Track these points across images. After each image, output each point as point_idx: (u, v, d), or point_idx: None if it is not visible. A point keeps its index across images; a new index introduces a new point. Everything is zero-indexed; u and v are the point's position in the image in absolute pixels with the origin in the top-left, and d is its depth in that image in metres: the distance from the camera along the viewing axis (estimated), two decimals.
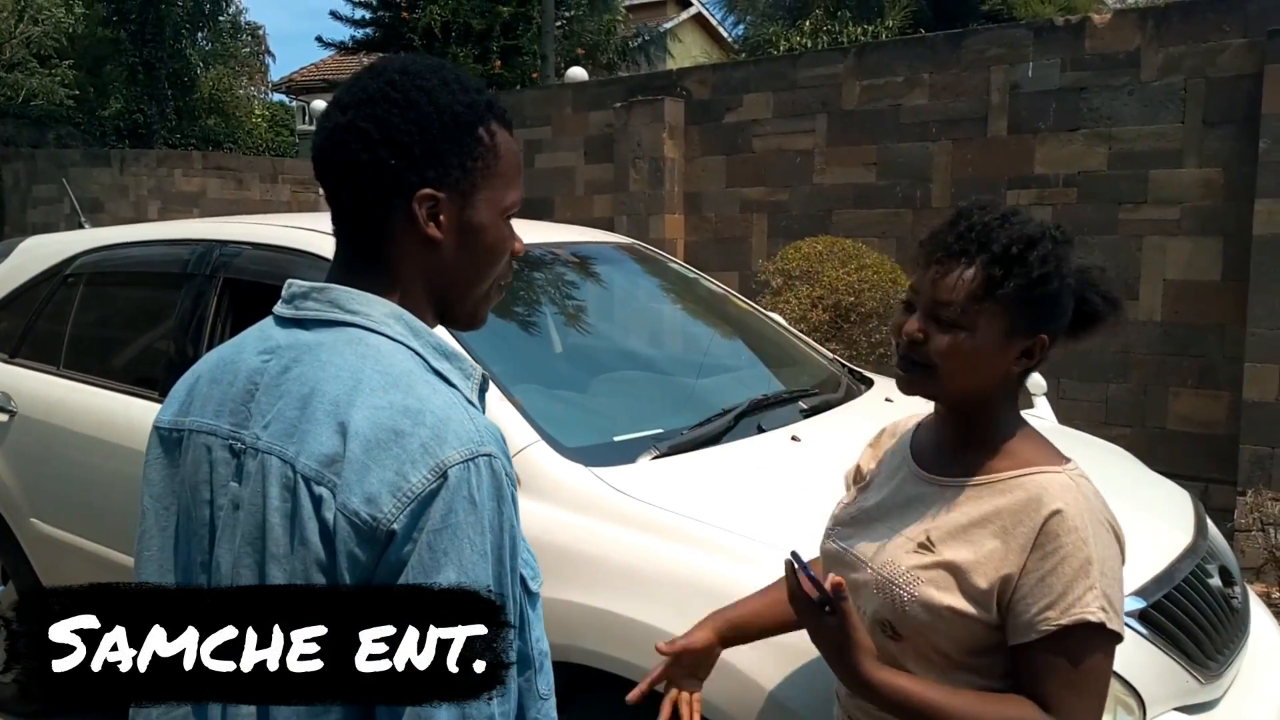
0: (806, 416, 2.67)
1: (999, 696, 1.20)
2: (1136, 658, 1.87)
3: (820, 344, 3.97)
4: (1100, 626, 1.15)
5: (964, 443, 1.28)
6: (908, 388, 1.27)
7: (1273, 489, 4.71)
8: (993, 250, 1.19)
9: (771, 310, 4.49)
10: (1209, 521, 2.53)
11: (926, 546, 1.24)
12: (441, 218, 1.04)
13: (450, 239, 1.05)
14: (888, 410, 2.83)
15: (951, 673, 1.23)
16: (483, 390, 1.09)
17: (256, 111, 19.54)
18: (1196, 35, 5.35)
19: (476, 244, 1.07)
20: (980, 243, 1.20)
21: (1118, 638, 1.19)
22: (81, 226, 4.01)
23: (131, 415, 2.93)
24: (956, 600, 1.20)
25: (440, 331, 1.11)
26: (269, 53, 21.21)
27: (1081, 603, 1.15)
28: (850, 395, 2.96)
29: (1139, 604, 1.97)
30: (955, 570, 1.21)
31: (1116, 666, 1.78)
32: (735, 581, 1.86)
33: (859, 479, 1.44)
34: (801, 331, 4.39)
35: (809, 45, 11.86)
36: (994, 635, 1.21)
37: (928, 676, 1.23)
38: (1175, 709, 1.90)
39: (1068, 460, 1.26)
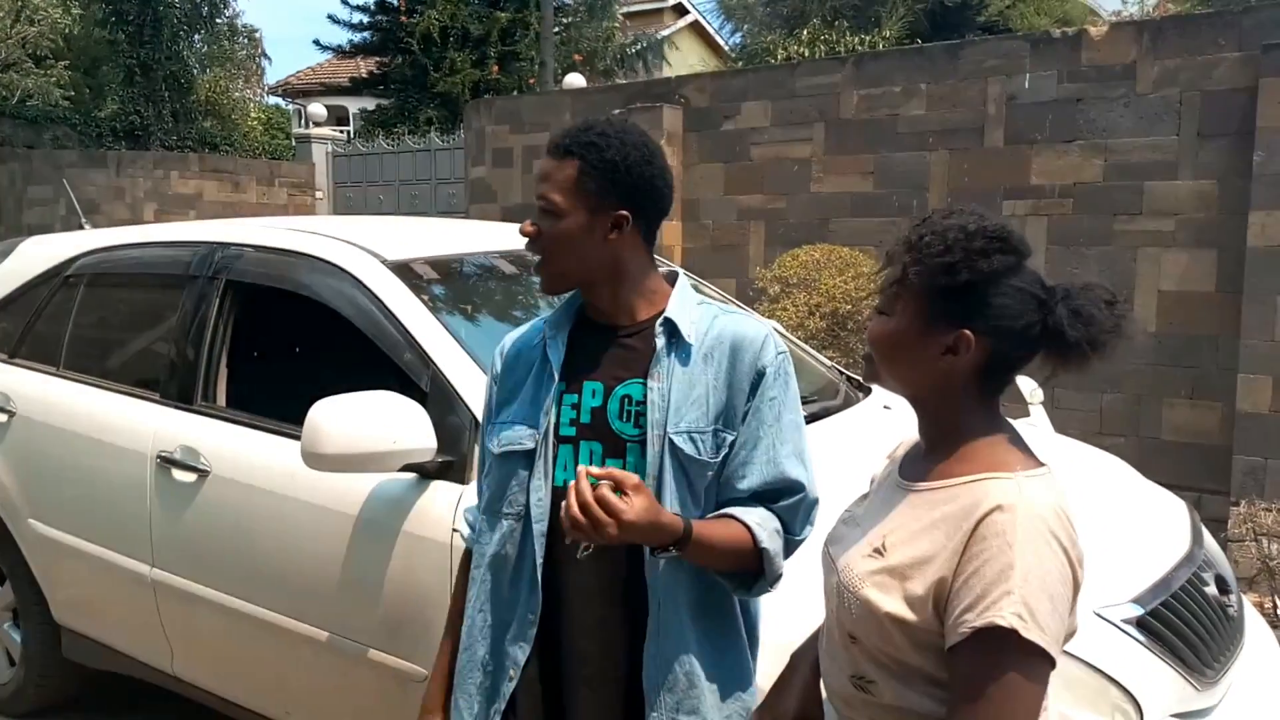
0: (806, 423, 2.68)
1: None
2: (1133, 664, 1.89)
3: (818, 351, 3.99)
4: (1014, 635, 1.08)
5: (932, 448, 1.29)
6: (864, 376, 1.37)
7: (1266, 499, 4.73)
8: (910, 240, 1.25)
9: (769, 318, 4.50)
10: (1205, 530, 2.55)
11: (880, 551, 1.24)
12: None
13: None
14: (886, 417, 2.85)
15: (914, 683, 1.21)
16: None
17: (252, 115, 19.52)
18: (1192, 49, 5.40)
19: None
20: (914, 237, 1.25)
21: (1041, 655, 1.10)
22: (81, 227, 4.01)
23: (132, 417, 2.93)
24: (897, 605, 1.19)
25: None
26: (265, 56, 21.19)
27: (996, 606, 1.10)
28: (849, 402, 2.97)
29: (1136, 611, 1.99)
30: (899, 574, 1.20)
31: (1114, 672, 1.82)
32: None
33: (870, 488, 1.46)
34: (799, 339, 4.41)
35: (806, 55, 11.91)
36: (939, 641, 1.18)
37: (889, 685, 1.22)
38: (1172, 716, 1.92)
39: (1039, 466, 1.23)
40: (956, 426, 1.26)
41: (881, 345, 1.29)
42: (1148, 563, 2.17)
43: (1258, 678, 2.24)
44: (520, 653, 1.56)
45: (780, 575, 1.52)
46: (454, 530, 1.79)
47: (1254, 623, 2.48)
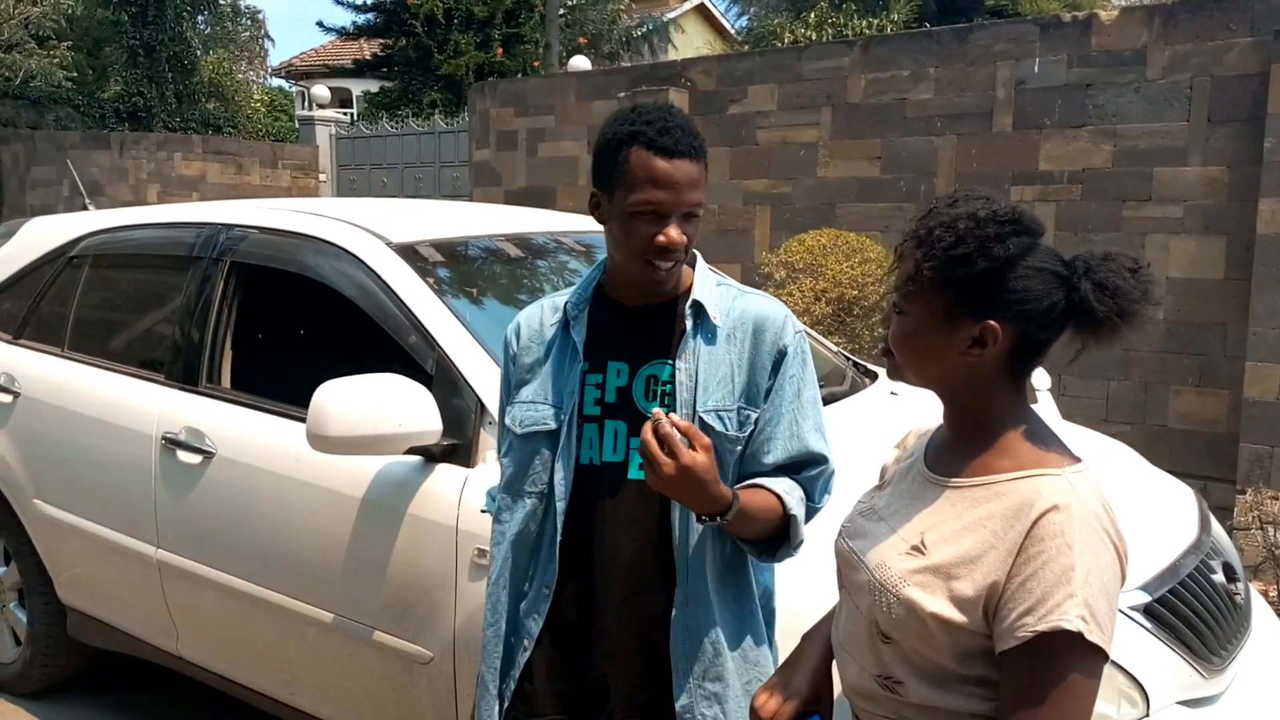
0: None
1: None
2: (1141, 651, 1.89)
3: (824, 337, 3.97)
4: (1079, 638, 1.08)
5: (964, 440, 1.25)
6: (888, 373, 1.32)
7: (1272, 488, 4.72)
8: (920, 235, 1.20)
9: None
10: (1212, 518, 2.54)
11: (919, 549, 1.21)
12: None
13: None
14: (893, 404, 2.84)
15: (948, 683, 1.19)
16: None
17: (256, 96, 19.47)
18: (1203, 33, 5.35)
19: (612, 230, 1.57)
20: (922, 231, 1.21)
21: (1101, 655, 1.10)
22: (85, 208, 4.00)
23: (136, 398, 2.93)
24: (943, 606, 1.16)
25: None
26: (268, 37, 21.13)
27: (1060, 610, 1.08)
28: (855, 388, 2.97)
29: (1144, 598, 1.98)
30: (944, 574, 1.17)
31: (1121, 660, 1.81)
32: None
33: (882, 478, 1.43)
34: (805, 325, 4.39)
35: (813, 38, 11.84)
36: (983, 644, 1.16)
37: (918, 686, 1.20)
38: (1178, 703, 1.91)
39: (1077, 460, 1.20)
40: (989, 417, 1.23)
41: (904, 346, 1.25)
42: (1156, 550, 2.16)
43: (1264, 665, 2.24)
44: (534, 624, 1.60)
45: (803, 541, 1.59)
46: (483, 510, 1.81)
47: (1260, 610, 2.48)
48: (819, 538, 1.52)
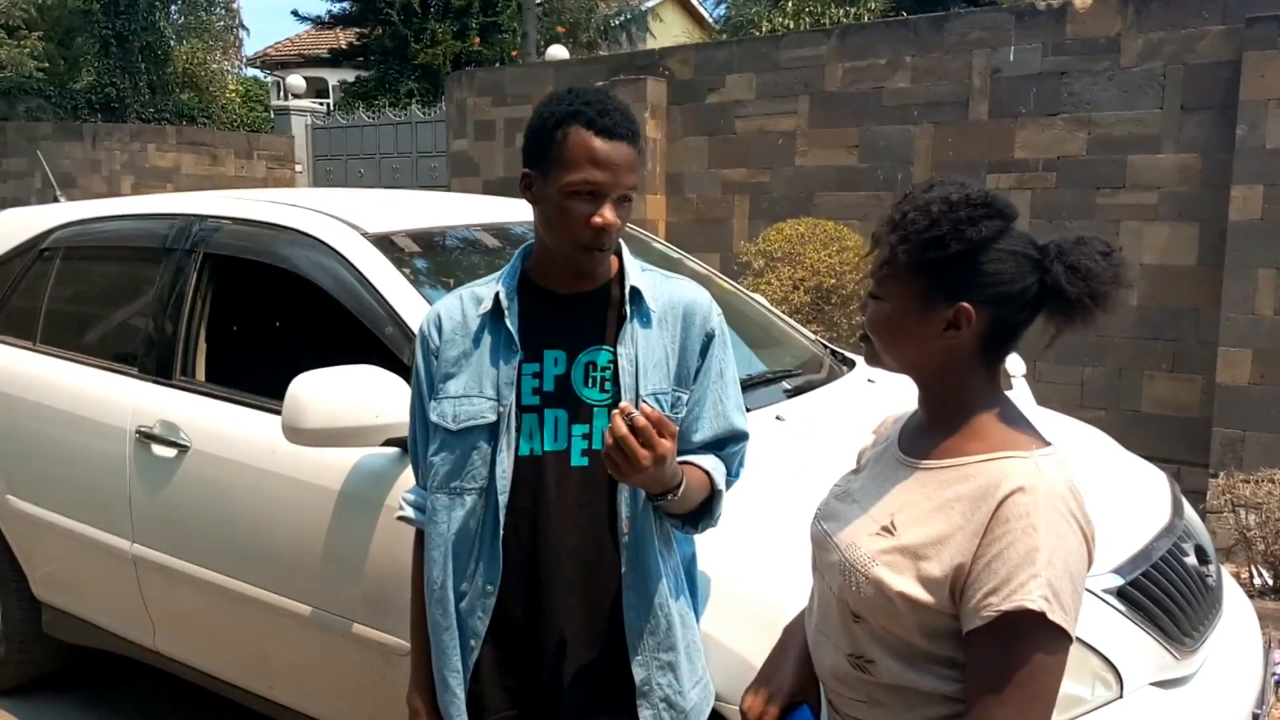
0: (790, 397, 2.68)
1: None
2: (1114, 634, 1.91)
3: (802, 325, 3.98)
4: (1041, 618, 1.09)
5: (937, 423, 1.26)
6: (867, 359, 1.32)
7: (1244, 471, 4.78)
8: (894, 220, 1.22)
9: (754, 292, 4.49)
10: (1185, 502, 2.57)
11: (889, 530, 1.22)
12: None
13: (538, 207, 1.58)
14: (870, 391, 2.85)
15: (917, 661, 1.20)
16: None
17: (230, 87, 19.26)
18: (1176, 21, 5.39)
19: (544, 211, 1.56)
20: (897, 215, 1.23)
21: (1065, 636, 1.11)
22: (57, 200, 3.95)
23: (110, 392, 2.90)
24: (910, 586, 1.17)
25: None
26: (243, 26, 20.89)
27: (1024, 590, 1.09)
28: (833, 376, 2.98)
29: (1117, 581, 2.00)
30: (913, 555, 1.18)
31: (1095, 642, 1.84)
32: (722, 559, 1.88)
33: (858, 463, 1.44)
34: (784, 313, 4.40)
35: (791, 27, 11.84)
36: (950, 624, 1.17)
37: (889, 664, 1.22)
38: (1151, 684, 1.94)
39: (1047, 444, 1.21)
40: (962, 400, 1.24)
41: (881, 330, 1.25)
42: (1129, 533, 2.18)
43: (1235, 647, 2.27)
44: (480, 624, 1.60)
45: (722, 514, 1.66)
46: (398, 518, 1.76)
47: (1232, 593, 2.51)
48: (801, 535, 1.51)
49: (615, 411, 1.37)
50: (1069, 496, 1.16)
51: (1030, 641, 1.11)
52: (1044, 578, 1.10)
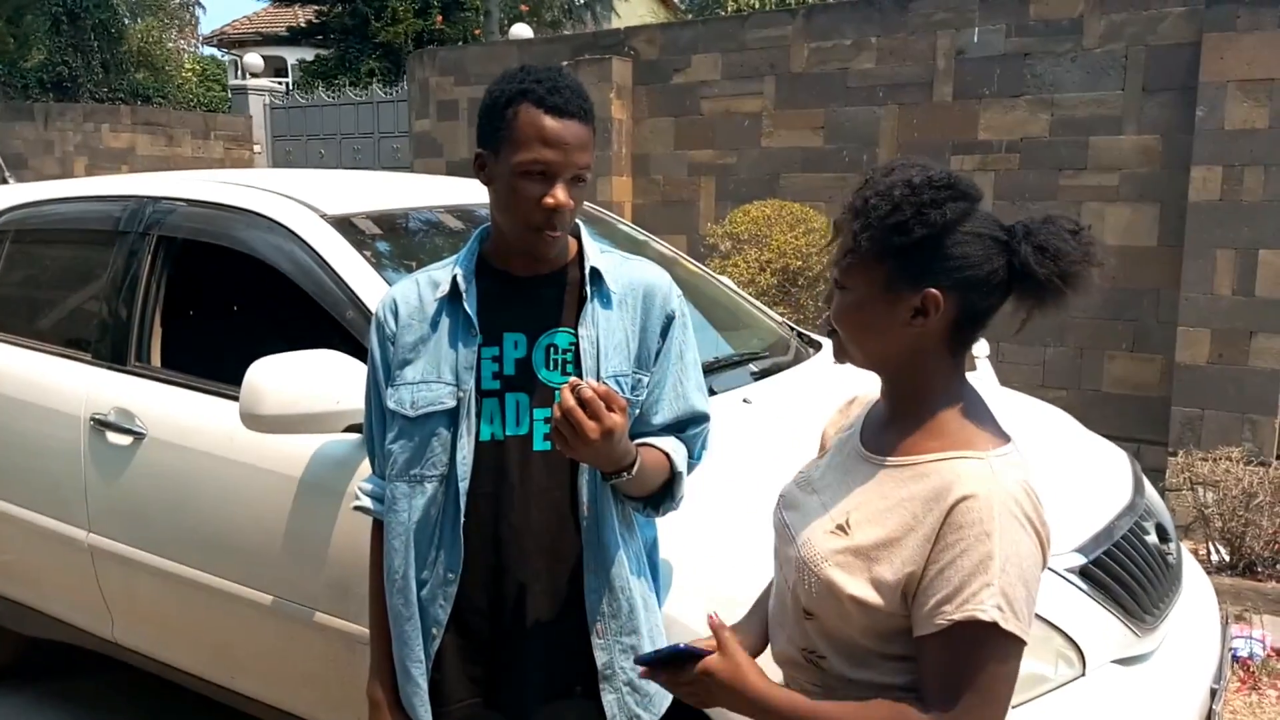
0: (757, 379, 2.68)
1: (868, 703, 1.15)
2: (1076, 613, 1.92)
3: (769, 307, 3.98)
4: (994, 628, 1.08)
5: (899, 417, 1.23)
6: (835, 355, 1.28)
7: (1202, 449, 4.86)
8: (856, 206, 1.18)
9: (721, 274, 4.48)
10: (1145, 480, 2.60)
11: (844, 529, 1.20)
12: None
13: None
14: (836, 373, 2.85)
15: (869, 660, 1.19)
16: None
17: (186, 65, 18.89)
18: (1138, 3, 5.43)
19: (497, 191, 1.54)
20: (859, 201, 1.19)
21: (1017, 643, 1.10)
22: (6, 182, 3.84)
23: (63, 378, 2.83)
24: (861, 589, 1.15)
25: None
26: (199, 4, 20.48)
27: (976, 599, 1.08)
28: (799, 358, 2.97)
29: (1079, 560, 2.02)
30: (865, 556, 1.16)
31: (1057, 620, 1.85)
32: (685, 542, 1.87)
33: (822, 447, 1.42)
34: (750, 295, 4.40)
35: (756, 6, 11.80)
36: (902, 624, 1.15)
37: (840, 661, 1.21)
38: (1113, 661, 1.96)
39: (1006, 441, 1.19)
40: (925, 394, 1.21)
41: (847, 322, 1.21)
42: (1090, 512, 2.20)
43: (1194, 623, 2.31)
44: (442, 612, 1.59)
45: (684, 496, 1.65)
46: (355, 508, 1.74)
47: (1191, 570, 2.55)
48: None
49: (563, 385, 1.36)
50: (1023, 499, 1.13)
51: (983, 650, 1.10)
52: (997, 586, 1.08)
